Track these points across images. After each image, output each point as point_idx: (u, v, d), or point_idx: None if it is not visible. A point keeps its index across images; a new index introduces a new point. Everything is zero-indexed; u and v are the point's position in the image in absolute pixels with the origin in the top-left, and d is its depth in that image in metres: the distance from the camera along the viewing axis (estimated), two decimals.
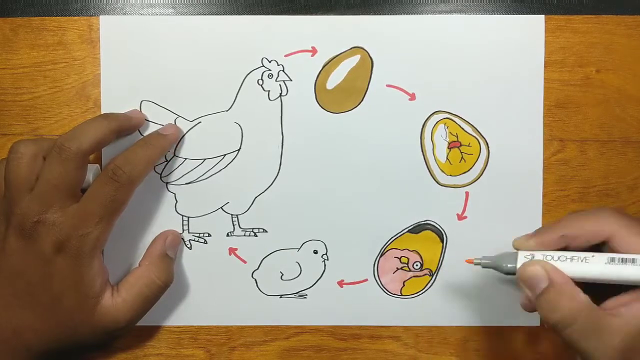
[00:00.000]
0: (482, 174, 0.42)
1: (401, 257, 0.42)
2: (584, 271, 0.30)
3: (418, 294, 0.43)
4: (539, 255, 0.32)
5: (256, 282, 0.43)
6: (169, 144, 0.40)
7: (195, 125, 0.42)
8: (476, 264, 0.36)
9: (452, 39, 0.41)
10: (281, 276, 0.43)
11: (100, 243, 0.36)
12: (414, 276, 0.43)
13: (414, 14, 0.42)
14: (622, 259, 0.28)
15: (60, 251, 0.35)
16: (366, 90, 0.42)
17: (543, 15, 0.41)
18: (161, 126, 0.41)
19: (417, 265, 0.42)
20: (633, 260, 0.28)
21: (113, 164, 0.36)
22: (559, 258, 0.31)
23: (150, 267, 0.39)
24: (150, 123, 0.42)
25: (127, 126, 0.40)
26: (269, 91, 0.42)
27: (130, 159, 0.37)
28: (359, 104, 0.42)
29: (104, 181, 0.36)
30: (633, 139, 0.42)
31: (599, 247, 0.32)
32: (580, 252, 0.31)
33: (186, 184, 0.42)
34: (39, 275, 0.35)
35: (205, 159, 0.42)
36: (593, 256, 0.29)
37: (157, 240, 0.41)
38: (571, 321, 0.29)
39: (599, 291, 0.31)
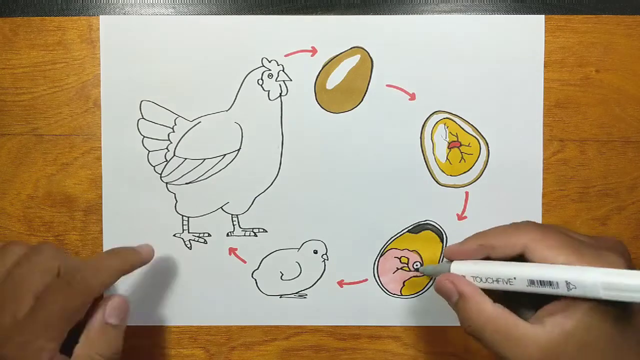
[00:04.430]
0: (482, 174, 0.42)
1: (401, 257, 0.42)
2: (510, 289, 0.31)
3: (418, 294, 0.43)
4: (469, 275, 0.33)
5: (256, 282, 0.43)
6: (139, 261, 0.37)
7: (195, 125, 0.42)
8: (420, 271, 0.42)
9: (452, 39, 0.41)
10: (281, 276, 0.43)
11: (45, 354, 0.31)
12: (414, 276, 0.43)
13: (414, 14, 0.42)
14: (540, 281, 0.29)
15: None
16: (366, 90, 0.42)
17: (543, 15, 0.42)
18: (162, 125, 0.42)
19: (417, 265, 0.42)
20: (550, 283, 0.29)
21: (72, 268, 0.33)
22: (486, 280, 0.32)
23: (89, 344, 0.33)
24: (151, 123, 0.42)
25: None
26: (269, 91, 0.42)
27: (93, 266, 0.34)
28: (359, 104, 0.42)
29: (59, 287, 0.32)
30: (633, 139, 0.42)
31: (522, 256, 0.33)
32: (506, 270, 0.31)
33: (186, 184, 0.42)
34: None
35: (205, 159, 0.42)
36: (515, 278, 0.31)
37: (97, 308, 0.35)
38: (480, 331, 0.30)
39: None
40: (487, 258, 0.33)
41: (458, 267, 0.34)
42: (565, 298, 0.29)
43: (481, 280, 0.32)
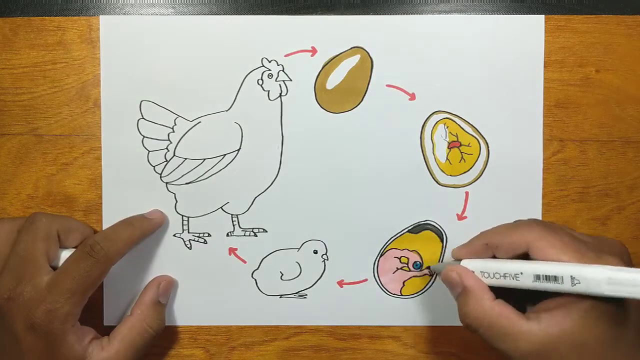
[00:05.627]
0: (482, 174, 0.42)
1: (401, 257, 0.42)
2: (516, 285, 0.32)
3: (418, 294, 0.43)
4: (478, 271, 0.34)
5: (256, 282, 0.43)
6: (152, 227, 0.41)
7: (195, 125, 0.42)
8: (432, 269, 0.42)
9: (452, 39, 0.41)
10: (281, 276, 0.43)
11: (71, 318, 0.34)
12: (414, 276, 0.43)
13: (414, 14, 0.42)
14: (546, 276, 0.30)
15: (30, 328, 0.33)
16: (366, 90, 0.42)
17: (543, 15, 0.42)
18: (162, 125, 0.41)
19: (417, 265, 0.42)
20: (555, 278, 0.30)
21: (92, 240, 0.36)
22: (494, 275, 0.33)
23: (142, 316, 0.38)
24: (151, 123, 0.42)
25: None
26: (268, 91, 0.42)
27: (111, 237, 0.37)
28: (358, 104, 0.42)
29: (80, 256, 0.35)
30: (633, 139, 0.42)
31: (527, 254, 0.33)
32: (512, 266, 0.32)
33: (186, 184, 0.42)
34: (13, 353, 0.34)
35: (205, 159, 0.42)
36: (522, 273, 0.31)
37: (150, 287, 0.40)
38: (477, 326, 0.31)
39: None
40: (494, 257, 0.34)
41: (467, 263, 0.35)
42: (566, 296, 0.29)
43: (489, 276, 0.33)
